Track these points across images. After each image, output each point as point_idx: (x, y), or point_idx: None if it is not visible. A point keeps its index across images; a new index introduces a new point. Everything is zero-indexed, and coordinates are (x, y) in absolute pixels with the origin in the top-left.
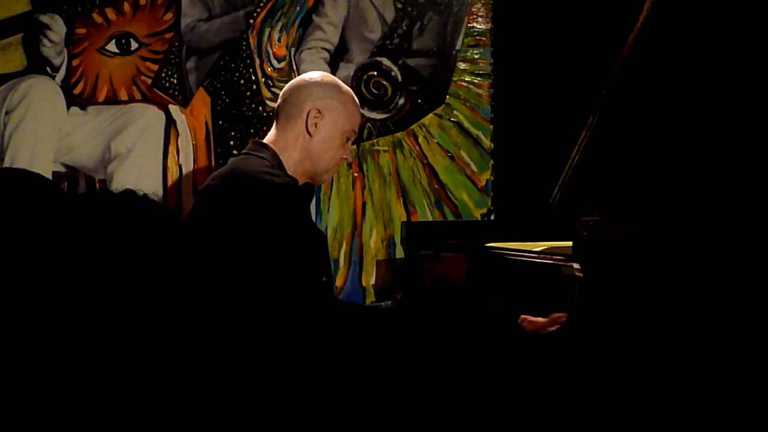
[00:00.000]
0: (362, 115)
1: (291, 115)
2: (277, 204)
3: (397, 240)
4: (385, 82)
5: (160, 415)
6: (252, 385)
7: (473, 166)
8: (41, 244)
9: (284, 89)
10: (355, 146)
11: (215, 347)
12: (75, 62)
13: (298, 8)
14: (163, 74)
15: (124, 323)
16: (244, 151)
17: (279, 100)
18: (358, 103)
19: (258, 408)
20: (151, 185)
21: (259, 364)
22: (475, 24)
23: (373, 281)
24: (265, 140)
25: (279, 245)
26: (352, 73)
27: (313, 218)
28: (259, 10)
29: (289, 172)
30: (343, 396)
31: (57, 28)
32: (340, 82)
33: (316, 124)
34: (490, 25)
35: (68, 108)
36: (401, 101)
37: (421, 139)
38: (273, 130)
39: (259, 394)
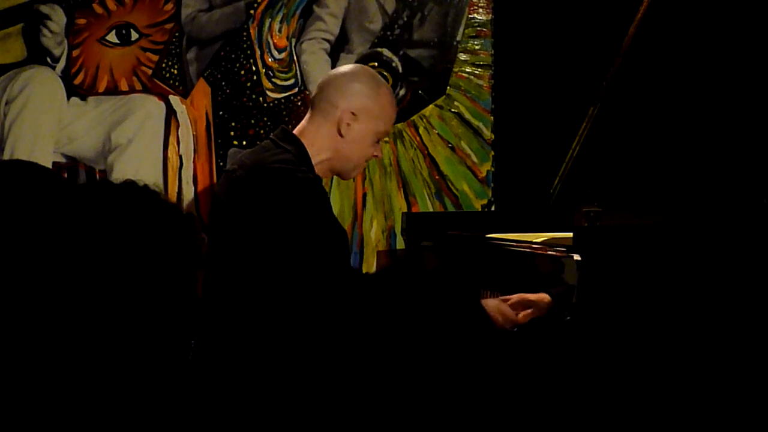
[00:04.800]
0: None
1: (325, 111)
2: (294, 200)
3: (398, 231)
4: (385, 73)
5: (175, 410)
6: (265, 380)
7: (474, 157)
8: (43, 236)
9: (321, 80)
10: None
11: (224, 343)
12: (75, 52)
13: None
14: (164, 65)
15: (125, 316)
16: (272, 137)
17: (315, 90)
18: (395, 102)
19: (274, 403)
20: (151, 176)
21: (273, 360)
22: (475, 15)
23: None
24: (296, 130)
25: (294, 241)
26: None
27: None
28: (259, 0)
29: (316, 168)
30: (349, 392)
31: (57, 18)
32: (380, 80)
33: (348, 125)
34: (490, 15)
35: (68, 98)
36: (402, 92)
37: (421, 129)
38: (305, 121)
39: (272, 390)
